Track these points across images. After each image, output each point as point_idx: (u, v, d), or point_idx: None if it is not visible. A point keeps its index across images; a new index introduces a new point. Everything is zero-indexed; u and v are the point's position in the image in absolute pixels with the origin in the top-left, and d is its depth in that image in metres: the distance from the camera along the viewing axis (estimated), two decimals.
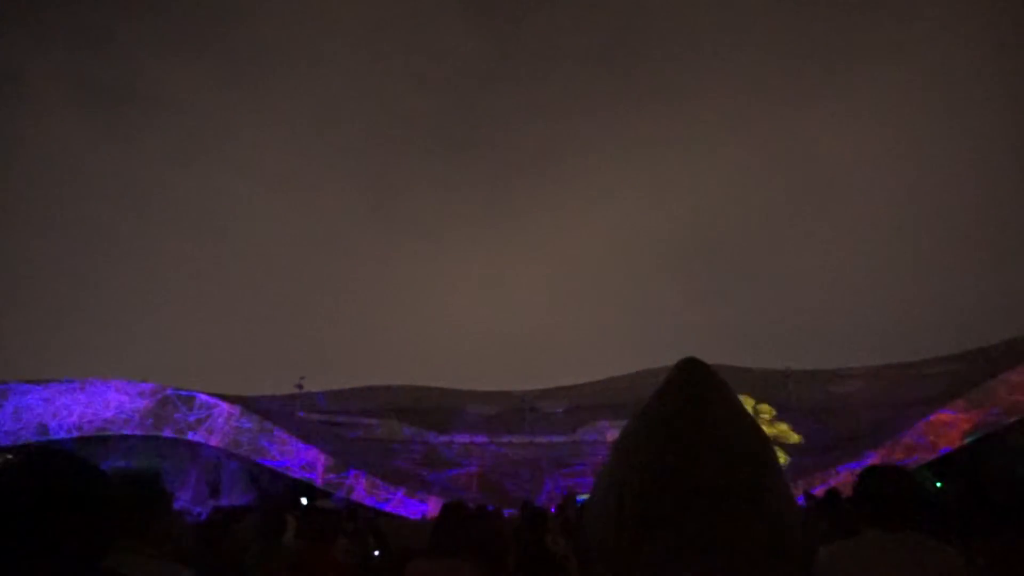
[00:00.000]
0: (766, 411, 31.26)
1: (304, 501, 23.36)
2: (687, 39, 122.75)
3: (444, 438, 35.21)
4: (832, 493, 6.35)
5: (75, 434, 26.48)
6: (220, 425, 27.63)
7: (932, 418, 27.92)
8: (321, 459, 27.96)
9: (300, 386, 34.88)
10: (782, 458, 28.67)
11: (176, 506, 23.85)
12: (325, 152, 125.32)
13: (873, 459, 26.74)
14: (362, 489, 27.78)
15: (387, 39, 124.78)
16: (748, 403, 31.49)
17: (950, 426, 27.44)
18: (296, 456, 27.81)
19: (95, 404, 27.00)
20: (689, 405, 0.88)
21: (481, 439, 35.63)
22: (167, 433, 27.30)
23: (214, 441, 27.49)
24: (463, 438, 35.60)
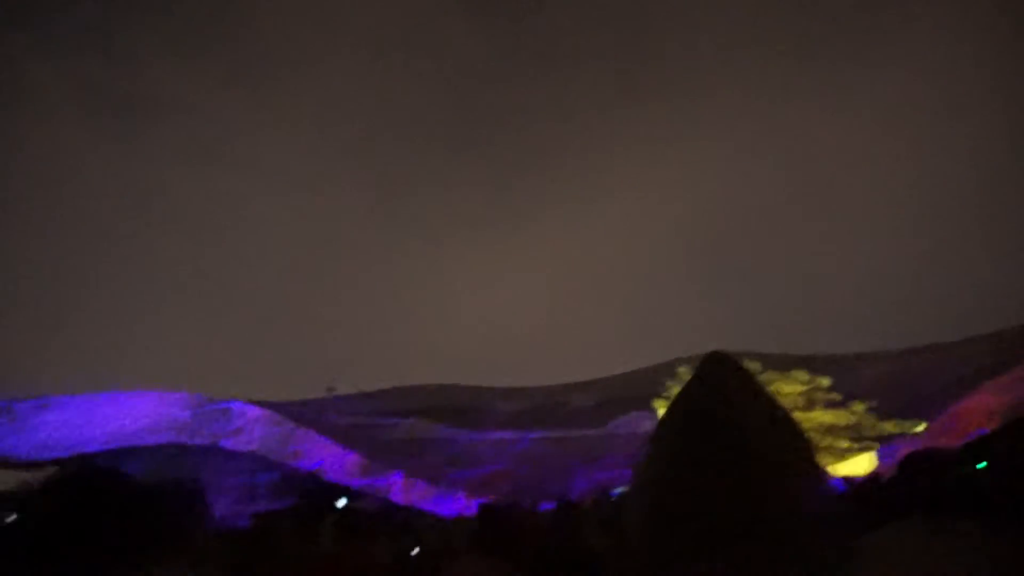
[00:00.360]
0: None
1: (340, 503, 23.61)
2: (691, 35, 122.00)
3: (475, 435, 35.31)
4: (873, 478, 6.27)
5: (113, 445, 27.01)
6: (254, 431, 28.00)
7: (962, 403, 27.40)
8: (355, 461, 28.22)
9: (331, 389, 35.25)
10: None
11: (213, 514, 24.18)
12: (335, 153, 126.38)
13: (904, 446, 26.32)
14: (397, 489, 28.00)
15: (388, 38, 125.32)
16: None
17: (980, 411, 26.88)
18: (330, 459, 28.09)
19: (131, 415, 27.51)
20: (714, 400, 0.88)
21: (512, 435, 35.67)
22: (202, 441, 27.73)
23: (249, 447, 27.87)
24: (494, 435, 35.66)
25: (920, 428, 27.64)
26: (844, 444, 27.26)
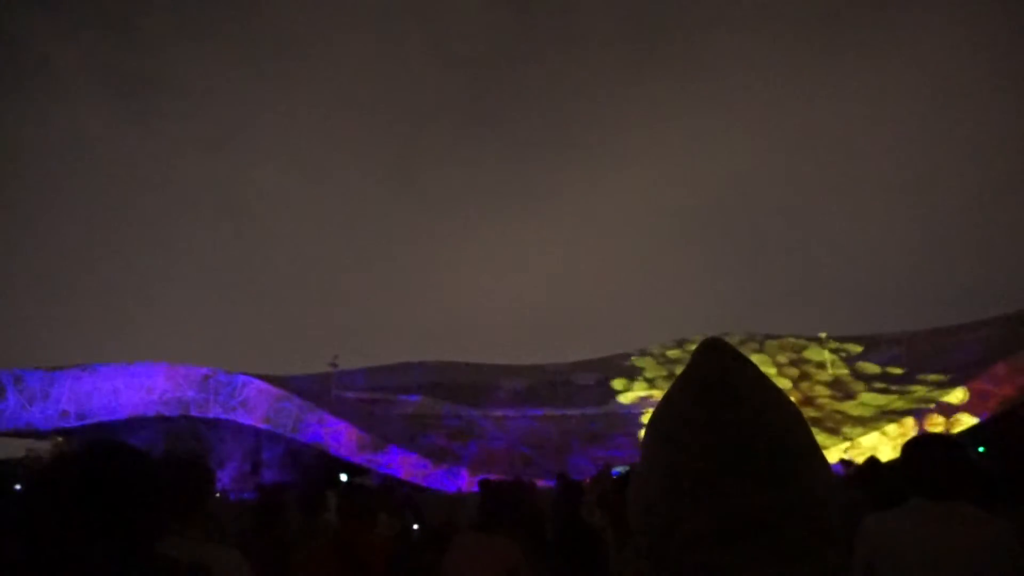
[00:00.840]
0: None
1: (343, 478, 23.83)
2: (709, 13, 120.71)
3: (478, 413, 35.48)
4: (872, 461, 6.29)
5: (120, 416, 27.26)
6: (260, 405, 28.20)
7: (970, 385, 27.39)
8: (359, 436, 28.41)
9: (335, 364, 35.32)
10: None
11: (219, 486, 24.52)
12: (350, 133, 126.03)
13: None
14: (398, 465, 28.21)
15: (406, 19, 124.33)
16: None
17: (987, 394, 26.89)
18: (334, 434, 28.30)
19: (140, 388, 27.73)
20: (713, 387, 0.88)
21: (514, 413, 35.83)
22: (209, 414, 27.97)
23: (254, 421, 28.09)
24: (496, 412, 35.83)
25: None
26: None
